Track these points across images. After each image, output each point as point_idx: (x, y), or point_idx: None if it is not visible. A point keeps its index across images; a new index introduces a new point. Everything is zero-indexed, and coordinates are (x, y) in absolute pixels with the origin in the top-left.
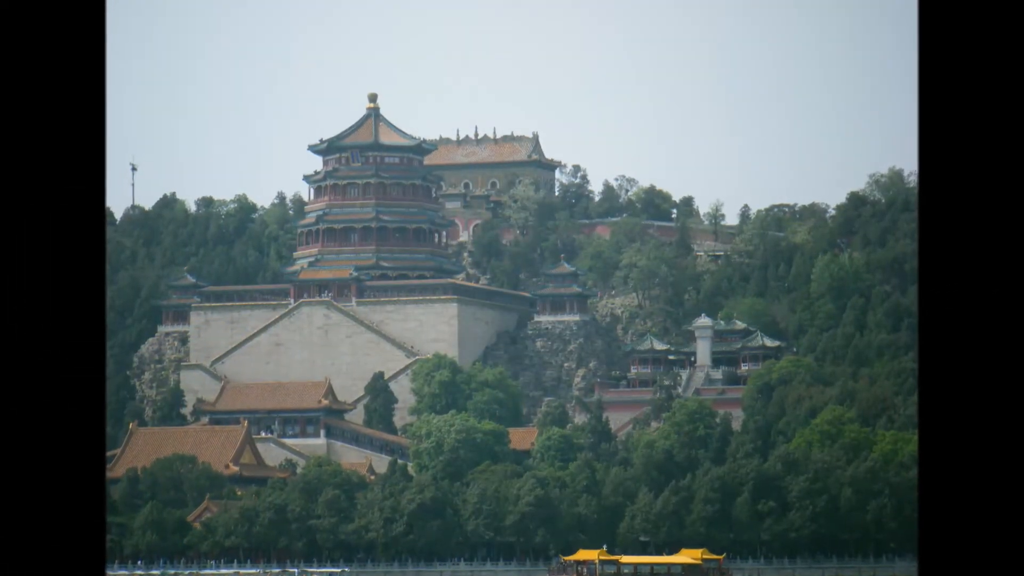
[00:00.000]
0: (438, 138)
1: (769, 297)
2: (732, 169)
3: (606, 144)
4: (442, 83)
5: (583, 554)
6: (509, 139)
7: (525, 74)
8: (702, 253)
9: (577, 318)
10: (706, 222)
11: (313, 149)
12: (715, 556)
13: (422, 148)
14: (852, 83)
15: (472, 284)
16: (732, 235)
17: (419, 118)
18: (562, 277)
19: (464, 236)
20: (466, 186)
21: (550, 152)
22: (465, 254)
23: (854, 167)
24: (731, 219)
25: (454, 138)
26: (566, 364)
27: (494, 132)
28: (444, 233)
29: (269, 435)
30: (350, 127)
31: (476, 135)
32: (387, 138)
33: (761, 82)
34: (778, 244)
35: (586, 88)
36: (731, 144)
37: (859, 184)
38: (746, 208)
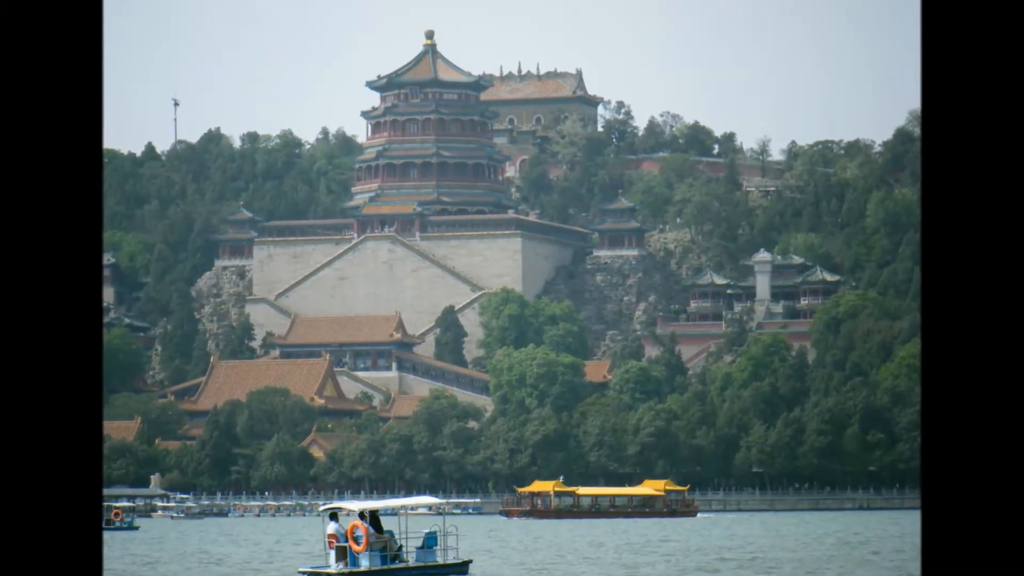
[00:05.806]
0: (481, 74)
1: (823, 232)
2: (772, 105)
3: (648, 80)
4: (487, 20)
5: (538, 485)
6: (553, 75)
7: (567, 11)
8: (753, 188)
9: (635, 253)
10: (750, 157)
11: (371, 85)
12: (679, 487)
13: (479, 84)
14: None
15: (533, 220)
16: (780, 171)
17: (464, 55)
18: (619, 212)
19: (511, 171)
20: (511, 122)
21: (593, 88)
22: (512, 189)
23: (894, 104)
24: (775, 155)
25: (498, 74)
26: (626, 298)
27: (537, 68)
28: (501, 168)
29: (341, 368)
30: (407, 63)
31: (520, 71)
32: (445, 75)
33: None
34: (828, 180)
35: (627, 24)
36: (770, 80)
37: (900, 120)
38: (793, 144)
